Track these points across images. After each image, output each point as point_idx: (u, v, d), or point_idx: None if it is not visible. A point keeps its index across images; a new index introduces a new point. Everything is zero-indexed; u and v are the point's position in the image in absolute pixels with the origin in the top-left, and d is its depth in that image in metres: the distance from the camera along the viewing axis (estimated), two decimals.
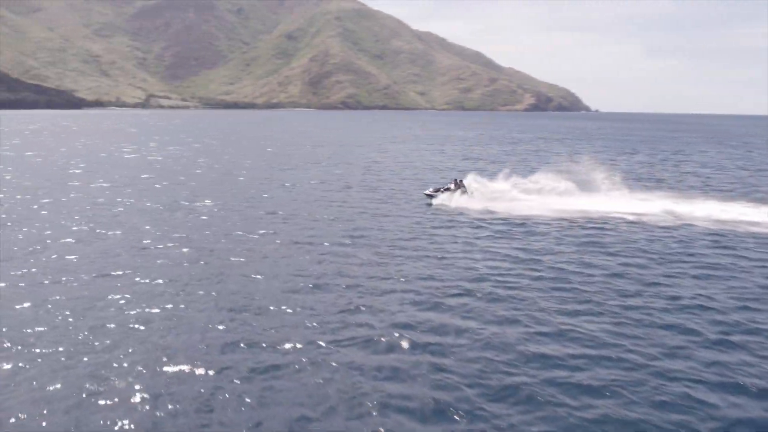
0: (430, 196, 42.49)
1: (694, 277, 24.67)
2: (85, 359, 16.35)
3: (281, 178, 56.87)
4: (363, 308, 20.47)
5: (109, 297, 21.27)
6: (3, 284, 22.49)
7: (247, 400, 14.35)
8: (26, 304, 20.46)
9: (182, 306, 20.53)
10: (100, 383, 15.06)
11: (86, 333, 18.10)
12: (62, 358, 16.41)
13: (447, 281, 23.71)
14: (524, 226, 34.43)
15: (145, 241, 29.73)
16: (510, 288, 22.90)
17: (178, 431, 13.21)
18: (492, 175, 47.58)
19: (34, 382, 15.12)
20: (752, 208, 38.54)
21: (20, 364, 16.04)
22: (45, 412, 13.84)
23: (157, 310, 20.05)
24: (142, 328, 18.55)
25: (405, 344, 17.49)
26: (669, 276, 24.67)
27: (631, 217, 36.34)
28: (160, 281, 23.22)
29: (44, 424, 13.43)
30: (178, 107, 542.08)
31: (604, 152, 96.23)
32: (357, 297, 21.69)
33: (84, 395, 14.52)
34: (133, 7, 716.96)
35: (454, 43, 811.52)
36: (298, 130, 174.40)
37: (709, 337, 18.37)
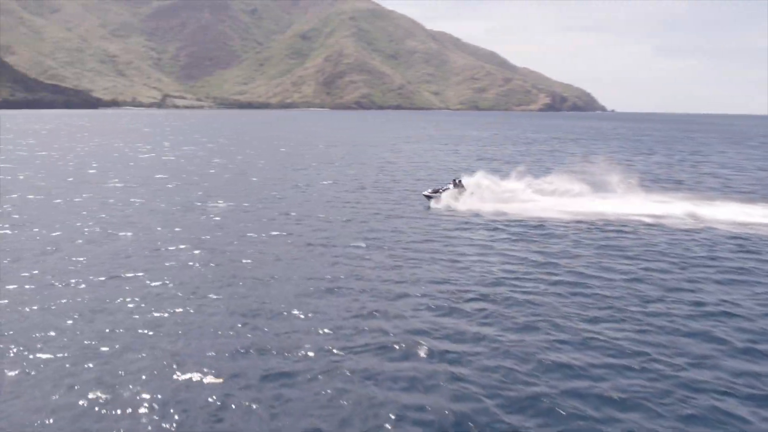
0: (429, 197, 41.63)
1: (718, 282, 23.94)
2: (93, 365, 15.99)
3: (294, 178, 56.53)
4: (377, 313, 19.97)
5: (119, 300, 20.93)
6: (12, 286, 22.23)
7: (258, 409, 13.90)
8: (34, 307, 20.17)
9: (192, 310, 20.14)
10: (107, 390, 14.68)
11: (94, 338, 17.75)
12: (69, 364, 16.06)
13: (463, 285, 23.15)
14: (541, 228, 33.77)
15: (156, 243, 29.42)
16: (528, 293, 22.31)
17: None
18: (505, 175, 46.80)
19: (40, 388, 14.77)
20: None
21: (26, 369, 15.71)
22: (51, 420, 13.47)
23: (167, 315, 19.68)
24: (151, 333, 18.17)
25: (421, 352, 16.96)
26: (692, 281, 23.96)
27: (650, 220, 35.55)
28: (171, 284, 22.86)
29: None
30: (192, 107, 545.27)
31: (620, 152, 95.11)
32: (371, 301, 21.20)
33: (91, 402, 14.14)
34: (149, 8, 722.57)
35: (469, 42, 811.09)
36: (311, 130, 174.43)
37: (736, 345, 17.68)
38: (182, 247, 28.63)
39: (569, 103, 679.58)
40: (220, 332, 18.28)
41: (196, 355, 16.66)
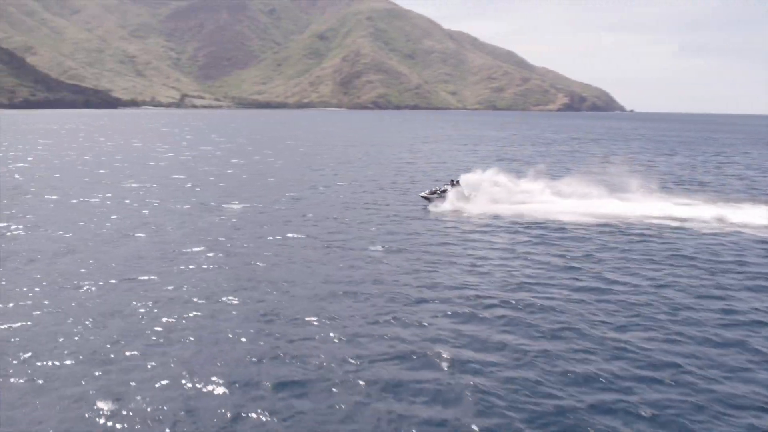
0: (427, 199, 40.78)
1: (749, 289, 23.02)
2: (102, 372, 15.52)
3: (312, 179, 56.04)
4: (395, 320, 19.34)
5: (131, 305, 20.49)
6: (24, 289, 21.89)
7: (270, 422, 13.34)
8: (45, 311, 19.80)
9: (206, 315, 19.64)
10: (116, 398, 14.22)
11: (104, 343, 17.30)
12: (79, 369, 15.63)
13: (483, 290, 22.45)
14: (562, 231, 32.93)
15: (170, 245, 29.02)
16: (551, 299, 21.55)
17: None
18: (523, 175, 45.75)
19: (48, 395, 14.34)
20: None
21: (35, 376, 15.29)
22: (58, 429, 13.02)
23: (180, 320, 19.20)
24: (163, 339, 17.69)
25: (440, 362, 16.29)
26: (722, 287, 23.06)
27: (674, 223, 34.58)
28: (184, 288, 22.40)
29: None
30: (211, 107, 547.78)
31: (642, 153, 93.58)
32: (388, 307, 20.56)
33: (99, 411, 13.68)
34: (167, 8, 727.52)
35: (486, 42, 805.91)
36: (329, 130, 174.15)
37: None
38: (197, 249, 28.20)
39: (588, 103, 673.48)
40: (233, 339, 17.76)
41: (208, 362, 16.15)
